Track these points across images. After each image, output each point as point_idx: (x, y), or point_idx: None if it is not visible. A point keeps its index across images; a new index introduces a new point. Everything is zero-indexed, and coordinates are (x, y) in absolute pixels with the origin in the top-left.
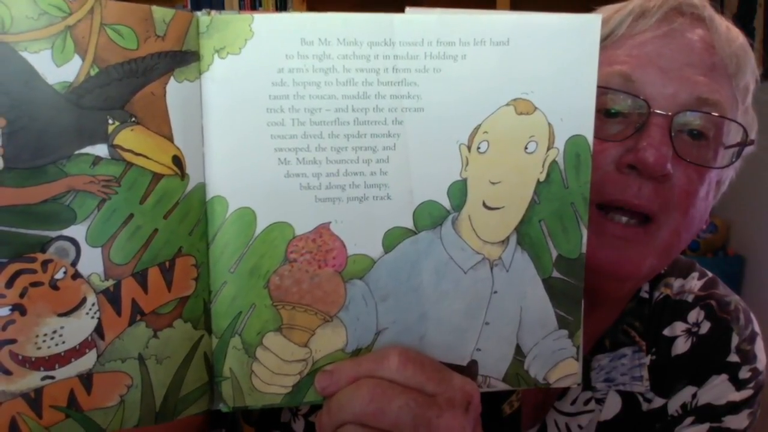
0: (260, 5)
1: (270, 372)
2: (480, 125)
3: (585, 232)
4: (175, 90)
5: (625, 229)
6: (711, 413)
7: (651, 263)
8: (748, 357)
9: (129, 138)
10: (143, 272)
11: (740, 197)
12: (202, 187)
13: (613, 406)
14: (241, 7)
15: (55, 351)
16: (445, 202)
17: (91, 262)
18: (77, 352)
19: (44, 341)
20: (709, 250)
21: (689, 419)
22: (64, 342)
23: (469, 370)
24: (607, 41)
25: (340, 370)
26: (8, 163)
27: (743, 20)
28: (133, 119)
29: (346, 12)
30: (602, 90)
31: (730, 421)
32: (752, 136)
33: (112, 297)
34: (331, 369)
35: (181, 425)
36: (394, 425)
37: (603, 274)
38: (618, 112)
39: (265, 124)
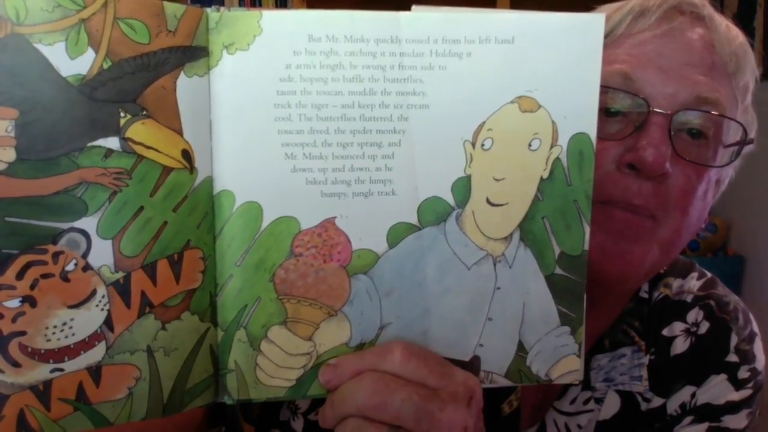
0: (260, 3)
1: (274, 365)
2: (484, 122)
3: (588, 229)
4: (185, 84)
5: (629, 219)
6: (710, 413)
7: (654, 258)
8: (747, 357)
9: (140, 131)
10: (152, 264)
11: (740, 197)
12: (209, 181)
13: (612, 405)
14: (241, 5)
15: (64, 343)
16: (449, 199)
17: (102, 254)
18: (87, 344)
19: (54, 333)
20: (709, 250)
21: (688, 419)
22: (73, 334)
23: (472, 365)
24: (606, 40)
25: (343, 363)
26: (21, 155)
27: (743, 20)
28: (145, 113)
29: (349, 10)
30: (602, 89)
31: (729, 420)
32: (751, 135)
33: (121, 289)
34: (335, 362)
35: (183, 420)
36: (397, 418)
37: (607, 266)
38: (618, 111)
39: (272, 120)
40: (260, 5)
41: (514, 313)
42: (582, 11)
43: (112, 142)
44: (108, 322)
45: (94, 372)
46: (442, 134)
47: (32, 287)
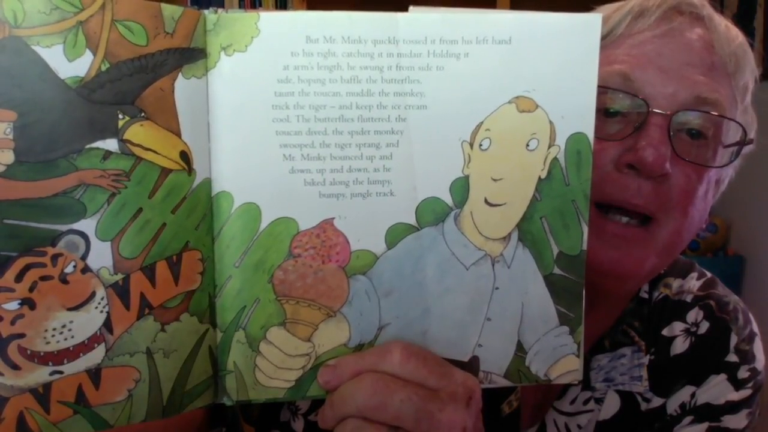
0: (260, 4)
1: (273, 366)
2: (482, 123)
3: (586, 229)
4: (183, 86)
5: (626, 228)
6: (710, 413)
7: (652, 263)
8: (746, 357)
9: (139, 133)
10: (151, 266)
11: (740, 197)
12: (208, 183)
13: (612, 405)
14: (241, 6)
15: (63, 345)
16: (448, 199)
17: (101, 256)
18: (86, 346)
19: (53, 336)
20: (709, 250)
21: (688, 419)
22: (73, 336)
23: (471, 365)
24: (606, 40)
25: (342, 364)
26: (20, 157)
27: (743, 20)
28: (143, 114)
29: (348, 11)
30: (601, 89)
31: (728, 420)
32: (751, 135)
33: (121, 291)
34: (334, 363)
35: (183, 422)
36: (396, 418)
37: (604, 273)
38: (617, 112)
39: (270, 121)
40: (260, 6)
41: (512, 313)
42: (582, 11)
43: (111, 144)
44: (107, 324)
45: (94, 374)
46: (440, 135)
47: (31, 289)
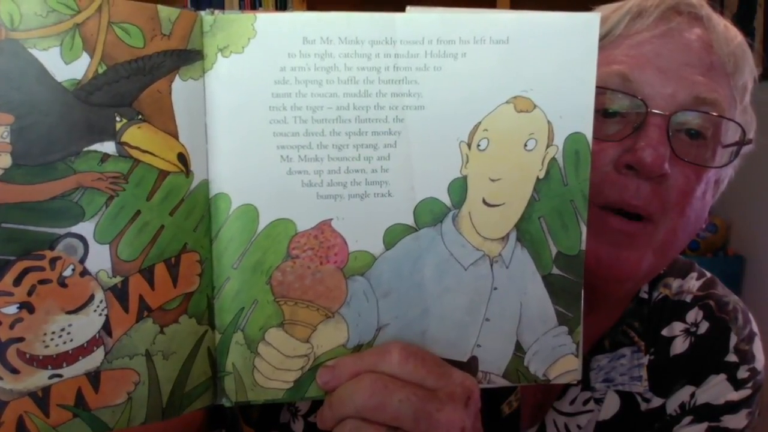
0: (260, 5)
1: (272, 367)
2: (480, 123)
3: (584, 229)
4: (180, 88)
5: (624, 226)
6: (709, 413)
7: (649, 262)
8: (746, 357)
9: (136, 135)
10: (150, 268)
11: (740, 197)
12: (206, 184)
13: (611, 406)
14: (241, 7)
15: (63, 349)
16: (446, 199)
17: (99, 259)
18: (85, 349)
19: (52, 339)
20: (709, 250)
21: (688, 419)
22: (72, 340)
23: (470, 366)
24: (604, 41)
25: (341, 365)
26: (17, 160)
27: (743, 20)
28: (140, 117)
29: (347, 11)
30: (600, 90)
31: (728, 420)
32: (750, 135)
33: (119, 294)
34: (333, 364)
35: (182, 424)
36: (395, 419)
37: (602, 273)
38: (616, 112)
39: (267, 122)
40: (260, 6)
41: (511, 313)
42: (581, 11)
43: (109, 147)
44: (106, 327)
45: (93, 377)
46: (438, 135)
47: (30, 293)
